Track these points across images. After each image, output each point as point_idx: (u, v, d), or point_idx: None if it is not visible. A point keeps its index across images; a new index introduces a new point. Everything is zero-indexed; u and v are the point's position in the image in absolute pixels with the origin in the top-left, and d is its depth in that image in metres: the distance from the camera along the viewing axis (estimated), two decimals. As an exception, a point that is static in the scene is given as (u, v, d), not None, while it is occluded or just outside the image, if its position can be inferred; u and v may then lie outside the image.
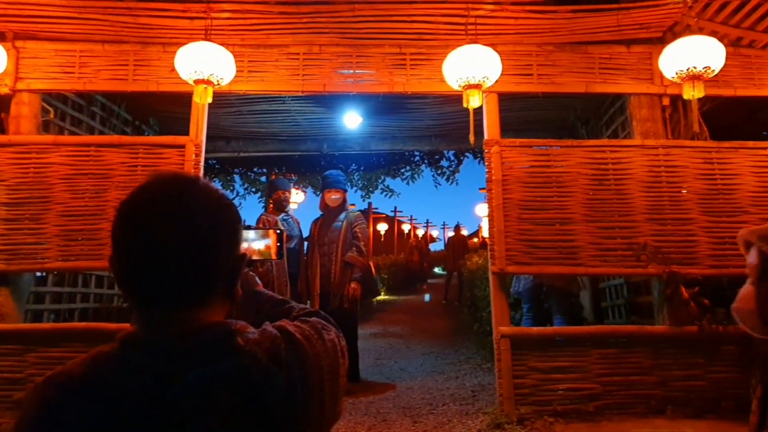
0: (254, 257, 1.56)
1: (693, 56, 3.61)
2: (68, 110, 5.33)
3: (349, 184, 6.27)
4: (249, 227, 1.61)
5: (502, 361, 4.02)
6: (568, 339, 4.07)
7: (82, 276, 5.77)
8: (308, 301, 5.50)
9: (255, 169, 8.43)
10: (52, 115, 5.06)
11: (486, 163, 4.32)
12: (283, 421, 0.82)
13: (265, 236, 1.57)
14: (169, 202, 0.85)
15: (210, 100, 3.97)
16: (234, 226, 0.91)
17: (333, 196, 5.32)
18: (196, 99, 3.85)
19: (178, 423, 0.75)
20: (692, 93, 3.68)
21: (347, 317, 5.17)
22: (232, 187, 8.55)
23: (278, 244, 1.58)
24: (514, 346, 4.05)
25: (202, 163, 4.38)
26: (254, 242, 1.56)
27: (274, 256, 1.59)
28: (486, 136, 4.35)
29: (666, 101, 4.34)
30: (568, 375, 3.98)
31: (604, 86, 4.39)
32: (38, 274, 5.06)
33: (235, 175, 8.49)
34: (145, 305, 0.86)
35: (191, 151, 4.30)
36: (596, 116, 5.98)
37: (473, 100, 3.76)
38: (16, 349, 4.13)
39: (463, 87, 3.77)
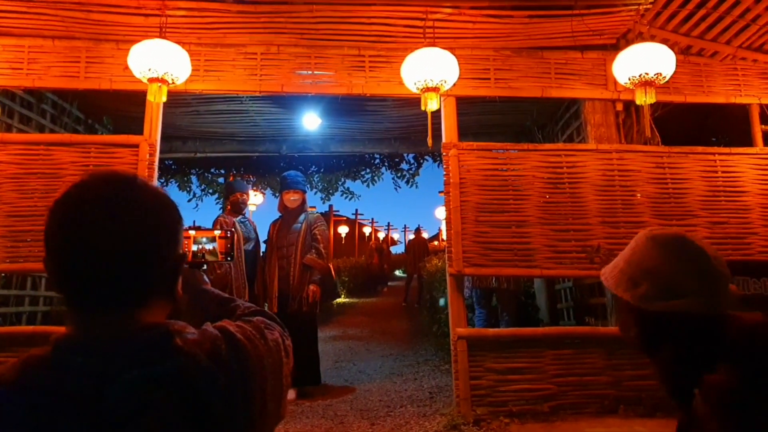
0: (206, 258, 1.55)
1: (645, 63, 3.74)
2: (16, 107, 5.15)
3: (308, 185, 6.23)
4: (198, 228, 1.59)
5: (459, 363, 4.07)
6: (524, 340, 4.14)
7: (31, 278, 5.57)
8: (265, 304, 5.44)
9: (212, 170, 8.30)
10: (-2, 112, 4.88)
11: (444, 166, 4.37)
12: (224, 423, 0.80)
13: (215, 238, 1.56)
14: (104, 202, 0.83)
15: (164, 99, 3.88)
16: (173, 226, 0.90)
17: (292, 197, 5.28)
18: (150, 98, 3.76)
19: (112, 426, 0.72)
20: (644, 98, 3.80)
21: (307, 320, 5.14)
22: (188, 188, 8.40)
23: (228, 245, 1.57)
24: (470, 348, 4.09)
25: (156, 163, 4.28)
26: (206, 244, 1.55)
27: (220, 258, 1.58)
28: (444, 140, 4.40)
29: (619, 106, 4.48)
30: (524, 376, 4.05)
31: (560, 91, 4.50)
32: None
33: (192, 176, 8.34)
34: (80, 307, 0.83)
35: (145, 150, 4.21)
36: (552, 121, 6.14)
37: (431, 103, 3.80)
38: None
39: (421, 90, 3.81)
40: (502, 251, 4.23)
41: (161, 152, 7.01)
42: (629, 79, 3.85)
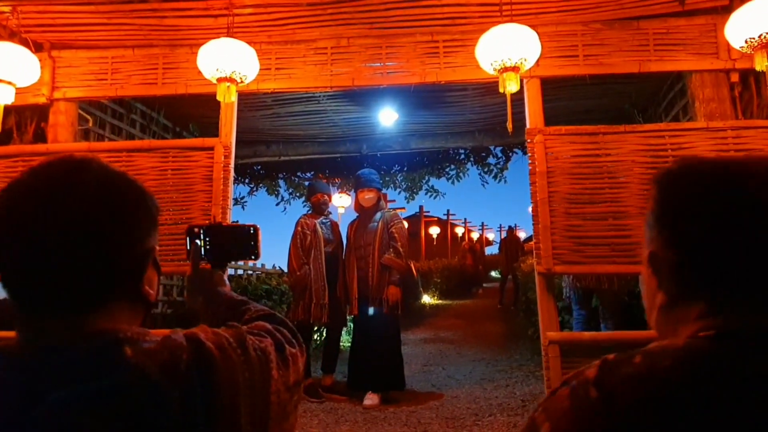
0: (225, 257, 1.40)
1: (766, 20, 3.17)
2: (107, 118, 5.38)
3: (382, 182, 6.03)
4: (219, 225, 1.43)
5: (551, 370, 3.68)
6: (626, 345, 3.67)
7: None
8: (347, 306, 5.31)
9: (299, 174, 8.34)
10: (90, 124, 5.11)
11: (528, 154, 4.00)
12: None
13: (240, 234, 1.39)
14: (47, 187, 0.73)
15: (234, 98, 3.85)
16: (135, 214, 0.80)
17: (366, 196, 5.11)
18: (219, 97, 3.72)
19: None
20: (766, 64, 3.23)
21: (388, 322, 4.95)
22: (277, 192, 8.50)
23: (252, 242, 1.40)
24: (564, 353, 3.69)
25: (231, 165, 4.26)
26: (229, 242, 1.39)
27: (249, 258, 1.42)
28: (528, 125, 4.03)
29: (734, 77, 3.88)
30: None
31: (661, 64, 3.98)
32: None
33: (279, 180, 8.44)
34: (20, 311, 0.73)
35: (220, 153, 4.19)
36: (654, 103, 5.53)
37: (510, 85, 3.46)
38: None
39: (499, 71, 3.48)
40: (598, 246, 3.79)
41: (247, 157, 7.21)
42: (746, 42, 3.29)
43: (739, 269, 0.70)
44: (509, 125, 3.60)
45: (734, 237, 0.71)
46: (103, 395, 0.64)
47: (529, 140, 3.99)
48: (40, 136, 4.67)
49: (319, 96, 5.44)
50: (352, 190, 8.59)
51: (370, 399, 4.73)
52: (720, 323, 0.70)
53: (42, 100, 4.45)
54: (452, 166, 7.63)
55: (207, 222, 1.40)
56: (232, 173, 4.31)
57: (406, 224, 5.31)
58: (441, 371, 6.11)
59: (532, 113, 4.03)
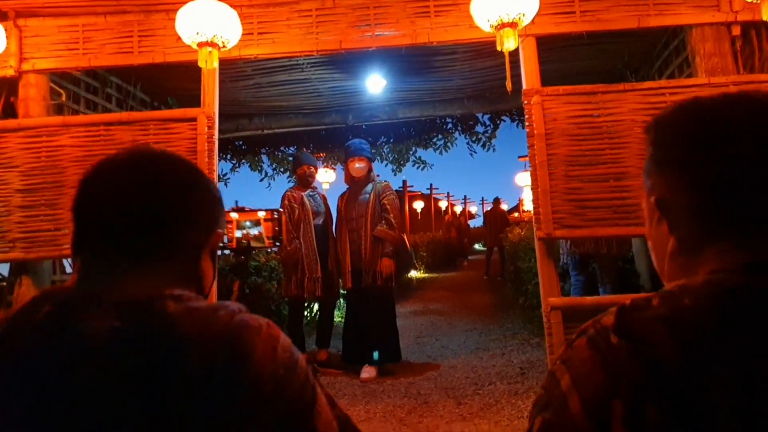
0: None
1: (769, -30, 3.06)
2: (81, 92, 5.11)
3: (372, 152, 5.87)
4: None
5: (554, 336, 3.61)
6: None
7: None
8: (339, 280, 5.19)
9: (282, 148, 8.12)
10: (63, 98, 4.85)
11: (526, 117, 3.87)
12: (176, 409, 0.63)
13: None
14: (121, 162, 0.87)
15: (216, 64, 3.64)
16: (204, 197, 0.88)
17: (357, 165, 4.94)
18: (200, 63, 3.52)
19: (57, 377, 0.65)
20: (769, 15, 3.13)
21: (383, 295, 4.85)
22: (260, 168, 8.28)
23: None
24: (566, 319, 3.63)
25: (216, 137, 4.07)
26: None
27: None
28: (525, 86, 3.89)
29: (736, 30, 3.76)
30: (630, 348, 3.53)
31: (660, 19, 3.85)
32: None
33: (262, 155, 8.21)
34: (86, 255, 0.81)
35: (203, 123, 3.99)
36: (647, 63, 5.42)
37: (508, 42, 3.31)
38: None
39: (496, 27, 3.32)
40: (599, 209, 3.70)
41: (229, 132, 6.96)
42: (751, -8, 3.18)
43: (763, 199, 0.67)
44: (508, 84, 3.47)
45: (754, 166, 0.67)
46: (123, 333, 0.67)
47: (526, 102, 3.86)
48: (10, 112, 4.41)
49: (303, 63, 5.23)
50: (339, 163, 8.44)
51: (367, 372, 4.65)
52: (747, 256, 0.67)
53: (10, 72, 4.18)
54: (440, 136, 7.48)
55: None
56: (217, 145, 4.12)
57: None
58: (435, 342, 6.06)
59: (529, 73, 3.90)
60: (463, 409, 3.63)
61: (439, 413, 3.61)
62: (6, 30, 4.02)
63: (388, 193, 4.95)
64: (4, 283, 4.79)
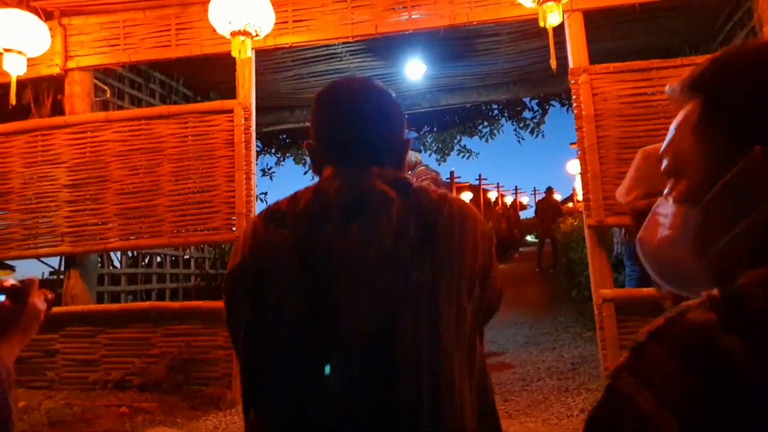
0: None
1: None
2: (126, 89, 5.20)
3: (418, 143, 5.68)
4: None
5: (606, 330, 3.40)
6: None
7: (160, 256, 5.73)
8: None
9: (326, 140, 8.05)
10: (108, 94, 4.94)
11: (573, 97, 3.65)
12: (442, 241, 0.92)
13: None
14: (359, 89, 1.08)
15: (250, 54, 3.60)
16: (402, 114, 1.08)
17: None
18: (234, 53, 3.47)
19: (371, 214, 0.91)
20: None
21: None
22: (304, 161, 8.27)
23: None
24: (619, 312, 3.41)
25: (253, 128, 4.03)
26: None
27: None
28: (571, 65, 3.66)
29: (807, -6, 3.43)
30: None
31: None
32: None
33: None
34: (342, 160, 1.00)
35: (240, 114, 3.96)
36: (708, 38, 5.05)
37: (551, 17, 3.11)
38: (88, 330, 4.04)
39: (539, 1, 3.12)
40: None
41: (271, 125, 6.96)
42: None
43: None
44: (552, 62, 3.26)
45: None
46: (407, 193, 0.94)
47: (573, 81, 3.64)
48: (58, 109, 4.52)
49: (341, 52, 5.14)
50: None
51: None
52: None
53: (56, 70, 4.28)
54: (485, 123, 7.24)
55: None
56: (254, 136, 4.08)
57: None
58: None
59: (576, 51, 3.67)
60: (510, 406, 3.46)
61: (483, 410, 3.46)
62: (51, 29, 4.09)
63: (423, 177, 4.78)
64: (61, 276, 4.94)
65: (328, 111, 1.04)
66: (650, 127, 3.52)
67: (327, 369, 0.85)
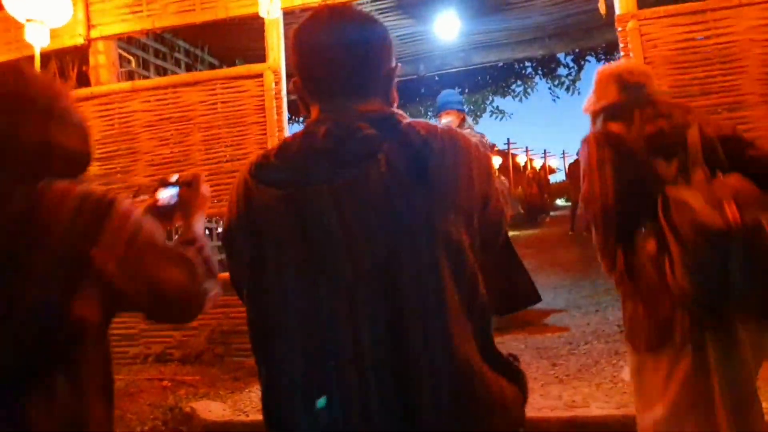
0: None
1: None
2: (150, 58, 5.11)
3: (464, 104, 5.38)
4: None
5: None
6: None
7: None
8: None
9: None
10: (134, 65, 4.86)
11: (621, 46, 3.42)
12: (435, 176, 0.91)
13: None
14: (334, 22, 1.01)
15: (279, 14, 3.44)
16: (388, 41, 1.04)
17: (443, 120, 4.61)
18: (262, 13, 3.34)
19: (352, 164, 0.90)
20: None
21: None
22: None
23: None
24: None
25: (284, 92, 3.89)
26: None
27: None
28: (618, 11, 3.42)
29: None
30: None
31: None
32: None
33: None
34: (321, 97, 1.00)
35: (270, 79, 3.83)
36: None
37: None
38: (126, 305, 4.02)
39: (586, -60, 2.89)
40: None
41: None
42: None
43: None
44: (602, 6, 3.04)
45: None
46: (393, 134, 0.92)
47: (620, 28, 3.41)
48: (84, 82, 4.45)
49: (370, 11, 4.94)
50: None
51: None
52: None
53: (79, 40, 4.19)
54: (518, 82, 6.98)
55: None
56: (286, 101, 3.95)
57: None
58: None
59: (623, -5, 3.42)
60: (559, 371, 3.34)
61: (532, 375, 3.34)
62: (73, -2, 3.99)
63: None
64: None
65: (305, 44, 1.00)
66: (705, 74, 3.28)
67: (331, 311, 0.88)
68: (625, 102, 1.71)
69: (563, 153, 31.68)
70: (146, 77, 4.97)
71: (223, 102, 3.93)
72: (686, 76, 3.30)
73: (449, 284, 0.88)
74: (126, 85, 4.20)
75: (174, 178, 1.28)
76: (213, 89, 3.96)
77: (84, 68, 4.44)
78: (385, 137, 0.91)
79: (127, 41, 4.66)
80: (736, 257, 1.40)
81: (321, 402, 0.86)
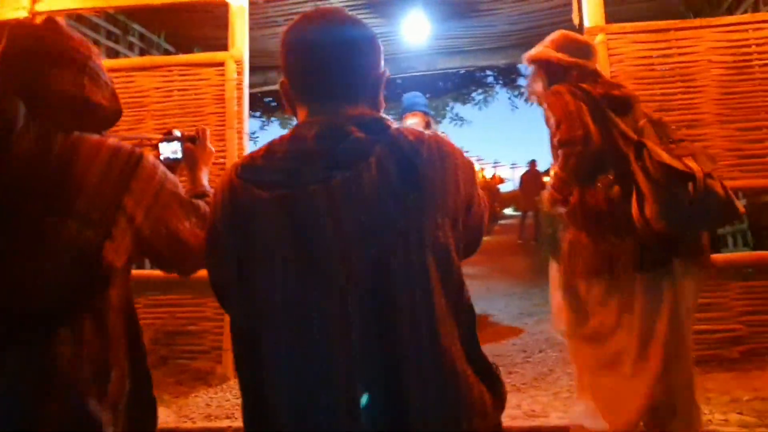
0: None
1: None
2: (102, 39, 4.83)
3: (428, 104, 5.33)
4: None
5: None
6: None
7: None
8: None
9: (312, 105, 7.76)
10: (83, 46, 4.58)
11: (587, 58, 3.45)
12: (425, 180, 0.92)
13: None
14: (324, 24, 1.00)
15: (245, 1, 3.30)
16: (377, 47, 1.04)
17: (408, 122, 4.55)
18: (228, -2, 3.18)
19: (345, 166, 0.89)
20: None
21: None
22: (290, 126, 7.98)
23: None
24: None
25: (246, 83, 3.76)
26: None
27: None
28: (587, 23, 3.46)
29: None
30: (703, 314, 3.18)
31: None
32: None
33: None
34: (310, 100, 0.99)
35: (232, 68, 3.69)
36: (711, 4, 4.89)
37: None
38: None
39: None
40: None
41: (257, 86, 6.62)
42: None
43: None
44: (575, 17, 3.07)
45: None
46: (384, 138, 0.92)
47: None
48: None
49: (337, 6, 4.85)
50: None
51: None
52: None
53: (23, 13, 3.91)
54: (479, 91, 7.04)
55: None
56: (247, 92, 3.81)
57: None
58: (474, 307, 5.77)
59: (592, 8, 3.46)
60: (515, 379, 3.34)
61: (487, 382, 3.34)
62: (19, -31, 3.73)
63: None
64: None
65: (296, 45, 1.00)
66: (665, 91, 3.37)
67: (322, 312, 0.87)
68: (594, 66, 1.97)
69: (513, 165, 32.39)
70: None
71: (180, 90, 3.76)
72: (648, 92, 3.36)
73: (437, 287, 0.89)
74: (75, 65, 3.94)
75: (177, 133, 1.34)
76: (170, 76, 3.78)
77: (28, 45, 4.15)
78: (376, 141, 0.91)
79: (76, 19, 4.39)
80: (695, 200, 1.63)
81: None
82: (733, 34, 3.35)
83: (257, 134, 7.97)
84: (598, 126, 1.77)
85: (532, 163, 14.04)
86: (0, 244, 0.94)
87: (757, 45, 3.31)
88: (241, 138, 3.67)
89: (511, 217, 23.32)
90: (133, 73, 3.79)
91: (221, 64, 3.70)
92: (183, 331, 3.64)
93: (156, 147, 1.32)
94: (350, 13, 1.04)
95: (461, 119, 7.75)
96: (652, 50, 3.41)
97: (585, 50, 1.98)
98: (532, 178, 13.51)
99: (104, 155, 1.00)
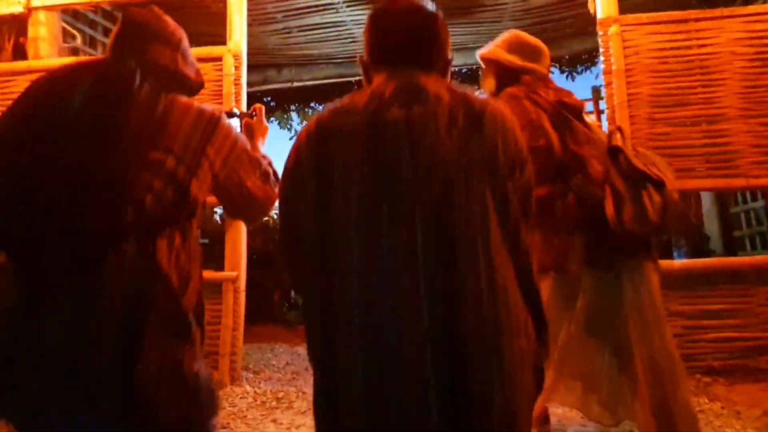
0: None
1: None
2: (98, 36, 4.70)
3: None
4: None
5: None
6: (726, 274, 3.09)
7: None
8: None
9: (312, 104, 7.62)
10: (79, 41, 4.44)
11: (602, 50, 3.31)
12: (490, 135, 1.02)
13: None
14: (416, 9, 1.14)
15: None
16: (448, 35, 1.16)
17: None
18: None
19: (423, 102, 1.02)
20: None
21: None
22: (289, 126, 7.84)
23: None
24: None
25: (244, 78, 3.61)
26: None
27: None
28: (600, 14, 3.32)
29: None
30: (725, 321, 3.02)
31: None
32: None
33: (291, 113, 7.75)
34: (394, 63, 1.10)
35: (230, 63, 3.54)
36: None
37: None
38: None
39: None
40: (689, 157, 3.17)
41: (256, 84, 6.47)
42: None
43: None
44: (591, 5, 2.91)
45: None
46: (456, 94, 1.05)
47: (601, 33, 3.30)
48: (20, 54, 4.02)
49: (337, 3, 4.71)
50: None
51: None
52: None
53: (19, 8, 3.78)
54: (483, 90, 6.89)
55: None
56: (245, 88, 3.66)
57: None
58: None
59: (605, 0, 3.32)
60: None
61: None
62: (11, -39, 3.60)
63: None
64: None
65: (382, 16, 1.15)
66: (686, 84, 3.21)
67: (390, 238, 0.96)
68: (545, 71, 2.00)
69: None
70: (91, 55, 4.55)
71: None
72: (666, 85, 3.22)
73: (494, 222, 0.99)
74: (68, 60, 3.79)
75: (236, 111, 1.60)
76: (166, 71, 3.62)
77: (21, 40, 4.01)
78: (449, 94, 1.03)
79: (73, 15, 4.26)
80: (665, 206, 1.71)
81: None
82: (756, 24, 3.20)
83: (256, 134, 7.80)
84: (557, 133, 1.81)
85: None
86: (118, 166, 1.12)
87: (781, 36, 3.17)
88: (239, 135, 3.52)
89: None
90: (128, 68, 3.64)
91: (219, 58, 3.56)
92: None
93: None
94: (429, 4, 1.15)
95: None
96: (669, 42, 3.25)
97: (537, 53, 1.99)
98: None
99: (194, 113, 1.21)
